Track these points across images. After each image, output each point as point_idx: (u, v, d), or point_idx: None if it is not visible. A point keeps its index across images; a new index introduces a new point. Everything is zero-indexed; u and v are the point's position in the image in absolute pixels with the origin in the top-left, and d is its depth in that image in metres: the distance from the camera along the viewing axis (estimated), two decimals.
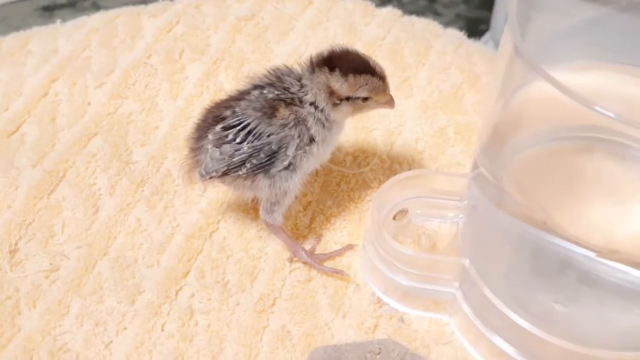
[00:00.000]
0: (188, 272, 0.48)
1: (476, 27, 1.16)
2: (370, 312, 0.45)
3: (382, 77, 0.44)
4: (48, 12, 1.15)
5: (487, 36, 1.12)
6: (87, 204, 0.51)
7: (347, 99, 0.44)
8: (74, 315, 0.45)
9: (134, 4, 0.70)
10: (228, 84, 0.61)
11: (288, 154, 0.44)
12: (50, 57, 0.63)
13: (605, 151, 0.41)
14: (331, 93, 0.44)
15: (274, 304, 0.46)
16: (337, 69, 0.43)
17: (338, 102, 0.44)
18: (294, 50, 0.64)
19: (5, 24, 0.74)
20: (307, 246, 0.48)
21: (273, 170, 0.44)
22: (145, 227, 0.50)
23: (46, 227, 0.50)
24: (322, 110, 0.45)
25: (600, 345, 0.39)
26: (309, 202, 0.52)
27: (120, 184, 0.53)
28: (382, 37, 0.64)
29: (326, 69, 0.44)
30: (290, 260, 0.48)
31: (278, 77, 0.45)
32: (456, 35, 0.65)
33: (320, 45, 0.64)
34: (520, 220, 0.39)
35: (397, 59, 0.62)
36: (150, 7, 0.68)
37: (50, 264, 0.48)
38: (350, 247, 0.48)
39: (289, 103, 0.44)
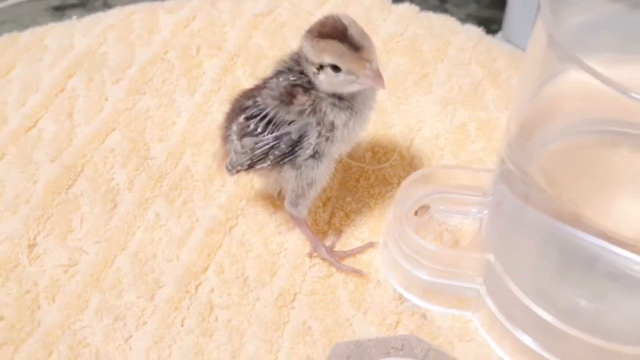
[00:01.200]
0: (207, 267, 0.47)
1: (487, 27, 1.16)
2: (391, 308, 0.45)
3: (355, 46, 0.40)
4: (59, 12, 1.16)
5: (499, 35, 1.11)
6: (105, 199, 0.51)
7: (321, 67, 0.41)
8: (93, 309, 0.45)
9: (146, 2, 0.70)
10: (245, 80, 0.60)
11: (311, 142, 0.43)
12: (67, 52, 0.63)
13: (632, 145, 0.40)
14: (307, 60, 0.42)
15: (294, 300, 0.46)
16: (308, 33, 0.42)
17: (316, 71, 0.41)
18: None
19: (17, 23, 0.74)
20: (327, 242, 0.48)
21: (299, 160, 0.43)
22: (164, 222, 0.50)
23: (65, 222, 0.50)
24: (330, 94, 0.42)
25: (626, 341, 0.39)
26: (329, 198, 0.51)
27: (138, 179, 0.52)
28: (399, 34, 0.64)
29: (304, 33, 0.42)
30: (310, 256, 0.47)
31: (296, 61, 0.44)
32: (475, 32, 0.65)
33: None
34: (549, 216, 0.38)
35: (416, 55, 0.62)
36: (167, 3, 0.68)
37: (69, 258, 0.48)
38: (371, 244, 0.48)
39: (308, 88, 0.43)
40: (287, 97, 0.43)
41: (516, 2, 1.04)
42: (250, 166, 0.44)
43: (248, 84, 0.60)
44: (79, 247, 0.48)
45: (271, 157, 0.43)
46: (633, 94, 0.32)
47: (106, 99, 0.59)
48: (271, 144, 0.43)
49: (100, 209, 0.50)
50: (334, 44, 0.40)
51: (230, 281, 0.46)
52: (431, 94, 0.59)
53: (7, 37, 0.65)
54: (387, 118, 0.56)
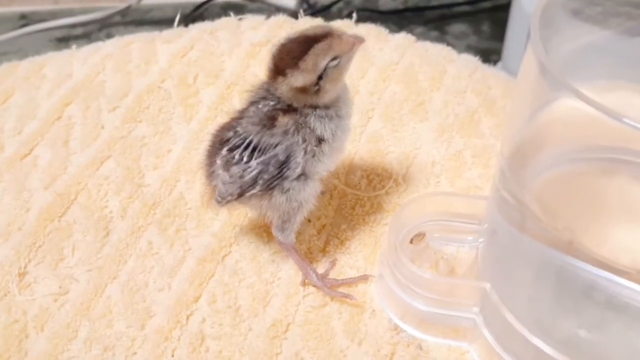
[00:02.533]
0: (199, 297, 0.46)
1: (487, 58, 1.17)
2: (387, 339, 0.44)
3: (326, 35, 0.41)
4: (63, 43, 1.17)
5: (499, 66, 1.12)
6: (98, 227, 0.50)
7: (320, 78, 0.42)
8: (82, 339, 0.44)
9: (145, 32, 0.70)
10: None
11: (298, 161, 0.43)
12: (65, 81, 0.63)
13: (627, 173, 0.40)
14: (303, 90, 0.42)
15: (287, 330, 0.45)
16: (287, 70, 0.42)
17: (316, 88, 0.42)
18: None
19: (21, 54, 0.75)
20: (322, 270, 0.47)
21: (286, 183, 0.43)
22: (156, 251, 0.49)
23: (56, 250, 0.49)
24: (315, 107, 0.43)
25: None
26: (323, 226, 0.51)
27: (132, 206, 0.52)
28: (395, 62, 0.64)
29: (281, 78, 0.42)
30: (304, 284, 0.47)
31: (267, 90, 0.44)
32: (471, 60, 0.65)
33: None
34: (544, 244, 0.37)
35: (412, 83, 0.62)
36: (165, 33, 0.69)
37: (60, 287, 0.47)
38: (365, 277, 0.46)
39: (287, 111, 0.43)
40: (269, 121, 0.43)
41: (515, 34, 1.05)
42: (240, 194, 0.44)
43: None
44: (70, 275, 0.48)
45: (260, 181, 0.43)
46: (626, 120, 0.31)
47: (102, 127, 0.59)
48: (259, 169, 0.43)
49: (93, 237, 0.50)
50: (317, 49, 0.41)
51: (222, 311, 0.46)
52: (427, 122, 0.58)
53: (6, 65, 0.66)
54: (382, 145, 0.56)
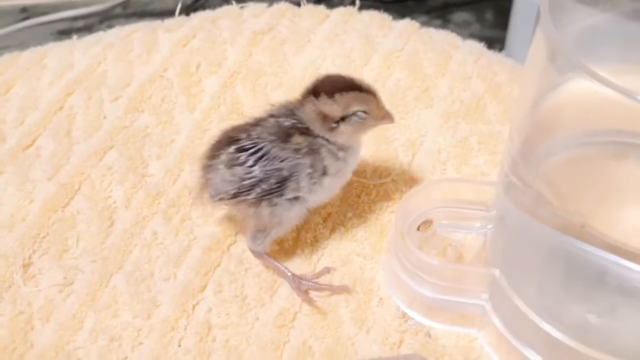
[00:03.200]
0: (205, 286, 0.46)
1: (491, 46, 1.16)
2: (395, 326, 0.44)
3: (370, 92, 0.44)
4: (65, 36, 1.16)
5: (502, 54, 1.11)
6: (102, 217, 0.50)
7: (343, 119, 0.44)
8: (88, 330, 0.44)
9: (146, 21, 0.70)
10: (245, 97, 0.60)
11: (302, 184, 0.43)
12: (66, 71, 0.62)
13: (637, 156, 0.39)
14: (324, 118, 0.44)
15: (294, 319, 0.44)
16: (322, 93, 0.43)
17: (335, 125, 0.44)
18: (311, 62, 0.63)
19: (22, 48, 0.75)
20: (328, 263, 0.47)
21: (276, 198, 0.43)
22: (161, 240, 0.49)
23: (60, 241, 0.49)
24: (329, 141, 0.44)
25: (637, 358, 0.37)
26: (329, 214, 0.50)
27: (136, 197, 0.52)
28: (400, 49, 0.64)
29: (312, 97, 0.44)
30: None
31: (291, 110, 0.45)
32: (476, 46, 0.64)
33: (337, 57, 0.64)
34: (554, 229, 0.37)
35: (416, 70, 0.61)
36: (167, 22, 0.68)
37: (64, 278, 0.47)
38: (346, 288, 0.45)
39: (304, 132, 0.44)
40: (284, 136, 0.44)
41: (519, 22, 1.04)
42: (235, 196, 0.43)
43: (248, 100, 0.60)
44: (75, 265, 0.47)
45: (258, 190, 0.43)
46: None
47: (104, 117, 0.58)
48: (260, 178, 0.43)
49: (97, 227, 0.50)
50: (357, 94, 0.43)
51: (228, 300, 0.45)
52: (432, 108, 0.58)
53: (7, 56, 0.65)
54: (388, 133, 0.56)
